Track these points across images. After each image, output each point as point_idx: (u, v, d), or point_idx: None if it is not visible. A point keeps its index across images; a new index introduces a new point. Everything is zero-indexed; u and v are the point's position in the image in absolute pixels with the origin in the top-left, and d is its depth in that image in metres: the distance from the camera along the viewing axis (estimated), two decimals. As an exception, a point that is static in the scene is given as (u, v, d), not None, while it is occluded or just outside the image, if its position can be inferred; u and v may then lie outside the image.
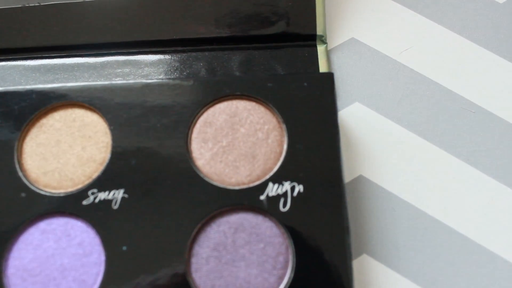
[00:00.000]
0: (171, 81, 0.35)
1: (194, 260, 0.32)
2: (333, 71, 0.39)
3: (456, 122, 0.38)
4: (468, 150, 0.37)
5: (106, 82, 0.35)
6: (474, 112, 0.38)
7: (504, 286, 0.34)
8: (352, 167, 0.36)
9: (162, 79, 0.37)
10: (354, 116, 0.38)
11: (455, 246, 0.34)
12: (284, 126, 0.34)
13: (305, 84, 0.35)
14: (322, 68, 0.38)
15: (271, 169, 0.33)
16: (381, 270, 0.34)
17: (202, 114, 0.35)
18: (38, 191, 0.33)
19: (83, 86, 0.35)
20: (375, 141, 0.37)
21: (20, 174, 0.34)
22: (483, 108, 0.38)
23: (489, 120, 0.38)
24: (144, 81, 0.35)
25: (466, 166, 0.36)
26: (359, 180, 0.36)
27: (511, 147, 0.37)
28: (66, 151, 0.34)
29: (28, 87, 0.35)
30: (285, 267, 0.32)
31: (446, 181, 0.36)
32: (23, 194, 0.33)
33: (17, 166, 0.34)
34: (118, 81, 0.36)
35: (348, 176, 0.36)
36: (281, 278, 0.31)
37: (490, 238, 0.35)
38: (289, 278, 0.31)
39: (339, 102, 0.38)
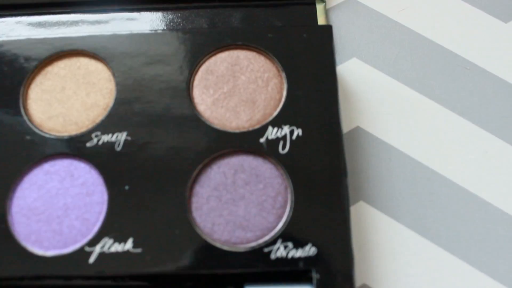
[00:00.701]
0: (174, 31, 0.36)
1: (194, 200, 0.32)
2: (331, 28, 0.40)
3: (451, 78, 0.38)
4: (463, 105, 0.38)
5: (110, 33, 0.36)
6: (469, 69, 0.39)
7: (495, 231, 0.34)
8: (350, 118, 0.37)
9: (165, 30, 0.37)
10: (352, 71, 0.39)
11: (448, 194, 0.35)
12: (283, 74, 0.35)
13: (305, 35, 0.36)
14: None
15: (270, 114, 0.34)
16: (377, 216, 0.35)
17: (204, 62, 0.36)
18: (42, 134, 0.34)
19: (88, 36, 0.36)
20: (372, 95, 0.38)
21: (25, 118, 0.34)
22: (477, 65, 0.39)
23: (483, 77, 0.39)
24: (148, 31, 0.36)
25: (461, 119, 0.37)
26: (356, 131, 0.37)
27: (504, 102, 0.38)
28: (71, 97, 0.35)
29: (34, 37, 0.36)
30: (284, 207, 0.32)
31: (441, 133, 0.37)
32: (27, 137, 0.34)
33: (22, 110, 0.35)
34: (123, 31, 0.37)
35: (345, 127, 0.37)
36: (280, 217, 0.32)
37: (482, 187, 0.35)
38: (288, 217, 0.32)
39: (337, 58, 0.39)
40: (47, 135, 0.34)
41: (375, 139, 0.37)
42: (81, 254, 0.31)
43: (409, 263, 0.34)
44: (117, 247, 0.31)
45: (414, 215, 0.35)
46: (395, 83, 0.38)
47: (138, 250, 0.31)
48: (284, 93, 0.34)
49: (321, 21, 0.39)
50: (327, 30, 0.36)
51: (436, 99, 0.38)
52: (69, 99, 0.35)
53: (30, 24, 0.39)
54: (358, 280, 0.34)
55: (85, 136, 0.34)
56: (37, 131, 0.34)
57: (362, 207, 0.35)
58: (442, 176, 0.36)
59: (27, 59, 0.36)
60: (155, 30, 0.37)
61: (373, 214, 0.35)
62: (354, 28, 0.40)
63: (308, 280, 0.31)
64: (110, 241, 0.31)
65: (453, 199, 0.35)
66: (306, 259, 0.31)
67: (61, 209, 0.33)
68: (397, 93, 0.38)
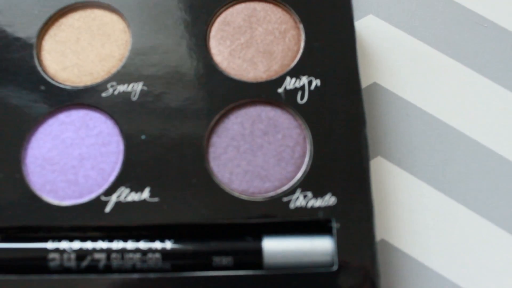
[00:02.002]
0: (189, -17, 0.36)
1: (212, 150, 0.32)
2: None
3: (468, 35, 0.38)
4: (479, 61, 0.37)
5: (125, -15, 0.36)
6: (486, 26, 0.38)
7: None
8: (366, 74, 0.37)
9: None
10: (369, 28, 0.38)
11: (465, 150, 0.35)
12: (301, 26, 0.34)
13: (322, -13, 0.35)
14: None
15: (288, 65, 0.34)
16: (395, 171, 0.35)
17: (220, 14, 0.35)
18: (57, 84, 0.34)
19: (103, -12, 0.36)
20: (388, 51, 0.38)
21: (39, 68, 0.34)
22: (495, 22, 0.38)
23: (500, 34, 0.38)
24: (163, -17, 0.36)
25: (479, 77, 0.37)
26: (373, 86, 0.37)
27: (523, 59, 0.37)
28: (86, 48, 0.35)
29: (48, -11, 0.36)
30: (302, 157, 0.32)
31: (458, 89, 0.37)
32: (42, 87, 0.34)
33: (36, 61, 0.34)
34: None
35: (363, 83, 0.36)
36: (298, 167, 0.32)
37: (498, 142, 0.35)
38: (307, 166, 0.31)
39: (354, 15, 0.38)
40: (61, 85, 0.34)
41: (392, 95, 0.36)
42: (97, 203, 0.31)
43: (427, 218, 0.34)
44: (134, 197, 0.31)
45: (432, 170, 0.35)
46: (412, 40, 0.38)
47: (155, 199, 0.31)
48: (302, 45, 0.34)
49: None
50: (345, -18, 0.35)
51: (452, 56, 0.37)
52: (84, 50, 0.34)
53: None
54: (377, 235, 0.33)
55: (101, 86, 0.33)
56: (51, 81, 0.34)
57: (380, 162, 0.35)
58: (459, 132, 0.35)
59: (41, 10, 0.35)
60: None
61: (391, 169, 0.35)
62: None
63: (328, 230, 0.31)
64: (127, 190, 0.31)
65: (470, 154, 0.35)
66: (326, 209, 0.31)
67: (76, 159, 0.32)
68: (414, 50, 0.38)
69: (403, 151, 0.35)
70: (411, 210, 0.34)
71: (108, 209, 0.31)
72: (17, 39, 0.35)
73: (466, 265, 0.32)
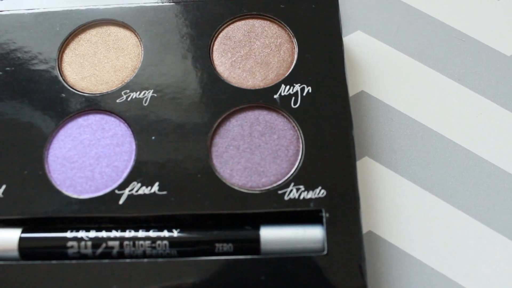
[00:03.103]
0: (195, 3, 0.40)
1: (215, 149, 0.36)
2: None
3: (448, 48, 0.42)
4: (459, 72, 0.41)
5: (137, 5, 0.40)
6: (464, 40, 0.42)
7: (489, 185, 0.37)
8: (355, 83, 0.41)
9: (187, 1, 0.41)
10: (356, 42, 0.42)
11: (444, 150, 0.38)
12: (295, 40, 0.38)
13: (313, 6, 0.39)
14: None
15: (283, 74, 0.38)
16: (381, 170, 0.38)
17: (222, 30, 0.39)
18: (76, 92, 0.37)
19: (117, 7, 0.40)
20: (375, 63, 0.41)
21: (60, 78, 0.38)
22: (472, 37, 0.42)
23: (477, 47, 0.42)
24: (172, 3, 0.40)
25: (457, 85, 0.41)
26: (361, 94, 0.40)
27: (495, 69, 0.41)
28: (102, 60, 0.39)
29: (68, 8, 0.40)
30: (296, 155, 0.35)
31: (438, 97, 0.40)
32: (63, 95, 0.37)
33: (57, 72, 0.38)
34: (148, 3, 0.40)
35: (351, 91, 0.40)
36: (292, 164, 0.35)
37: (475, 144, 0.39)
38: (300, 163, 0.35)
39: (343, 30, 0.42)
40: (80, 93, 0.37)
41: (378, 102, 0.40)
42: (111, 196, 0.35)
43: (410, 212, 0.37)
44: (145, 190, 0.35)
45: (414, 169, 0.38)
46: (396, 53, 0.42)
47: (164, 192, 0.34)
48: (295, 56, 0.38)
49: (327, -3, 0.42)
50: (334, 1, 0.39)
51: (434, 67, 0.41)
52: (100, 62, 0.38)
53: None
54: (364, 227, 0.37)
55: (116, 93, 0.37)
56: (71, 89, 0.38)
57: (367, 162, 0.38)
58: (438, 134, 0.39)
59: (62, 27, 0.39)
60: (178, 2, 0.40)
61: (377, 168, 0.38)
62: (357, 3, 0.44)
63: (319, 220, 0.34)
64: (138, 185, 0.35)
65: (448, 154, 0.38)
66: (317, 200, 0.34)
67: (93, 158, 0.36)
68: (398, 61, 0.41)
69: (388, 152, 0.39)
70: (395, 204, 0.37)
71: (121, 201, 0.34)
72: (41, 52, 0.39)
73: (444, 252, 0.36)
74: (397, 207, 0.37)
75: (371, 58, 0.42)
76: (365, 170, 0.38)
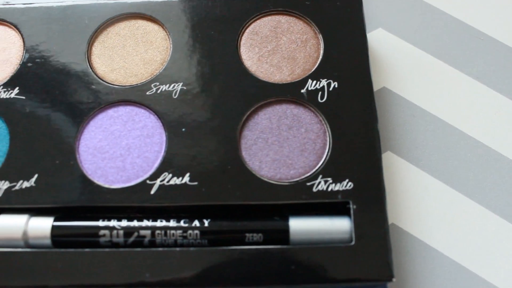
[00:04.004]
0: (222, -1, 0.41)
1: (243, 141, 0.37)
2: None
3: (467, 47, 0.43)
4: (478, 70, 0.42)
5: (165, -1, 0.41)
6: (483, 39, 0.43)
7: (508, 180, 0.39)
8: (377, 80, 0.42)
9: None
10: (378, 39, 0.43)
11: (463, 145, 0.40)
12: (320, 36, 0.39)
13: (338, 3, 0.40)
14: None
15: (309, 69, 0.38)
16: (403, 164, 0.39)
17: (249, 25, 0.40)
18: (106, 84, 0.38)
19: (145, 1, 0.41)
20: (396, 60, 0.42)
21: (90, 70, 0.39)
22: (491, 36, 0.43)
23: (496, 46, 0.43)
24: (199, -1, 0.41)
25: (476, 82, 0.42)
26: (383, 90, 0.41)
27: (513, 67, 0.42)
28: (131, 53, 0.39)
29: (95, 1, 0.41)
30: (323, 148, 0.36)
31: (457, 93, 0.41)
32: (93, 87, 0.38)
33: (87, 64, 0.39)
34: (176, -2, 0.41)
35: (373, 87, 0.41)
36: (320, 157, 0.36)
37: (494, 140, 0.40)
38: (327, 156, 0.36)
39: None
40: (110, 85, 0.38)
41: (399, 98, 0.41)
42: (143, 186, 0.35)
43: (431, 205, 0.38)
44: (176, 181, 0.35)
45: (435, 164, 0.39)
46: (417, 50, 0.43)
47: (195, 183, 0.35)
48: (321, 52, 0.39)
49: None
50: (358, -1, 0.40)
51: (454, 65, 0.42)
52: (129, 55, 0.39)
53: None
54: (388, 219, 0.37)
55: (145, 86, 0.38)
56: (101, 81, 0.38)
57: (389, 156, 0.39)
58: (458, 130, 0.40)
59: (90, 20, 0.40)
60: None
61: (399, 162, 0.39)
62: (379, 1, 0.45)
63: (345, 211, 0.35)
64: (169, 175, 0.35)
65: (468, 149, 0.39)
66: (344, 192, 0.35)
67: (124, 149, 0.37)
68: (419, 59, 0.42)
69: (410, 147, 0.40)
70: (417, 198, 0.38)
71: (153, 191, 0.35)
72: (70, 45, 0.39)
73: (465, 245, 0.37)
74: (419, 201, 0.38)
75: (392, 55, 0.43)
76: (388, 164, 0.39)
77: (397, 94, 0.41)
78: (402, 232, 0.37)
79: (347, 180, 0.35)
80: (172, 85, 0.38)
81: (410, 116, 0.41)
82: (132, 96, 0.38)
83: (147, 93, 0.38)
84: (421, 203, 0.38)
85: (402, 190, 0.39)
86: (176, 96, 0.37)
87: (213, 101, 0.37)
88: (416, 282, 0.36)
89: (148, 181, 0.35)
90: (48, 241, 0.35)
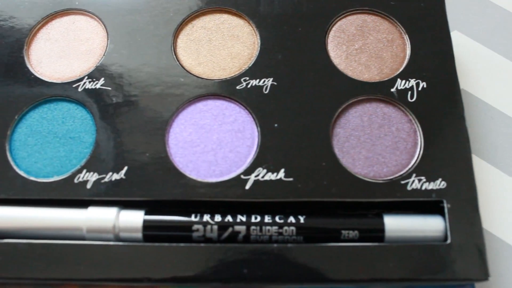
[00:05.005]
0: (309, -4, 0.41)
1: (336, 138, 0.37)
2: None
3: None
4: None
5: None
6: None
7: None
8: (454, 82, 0.42)
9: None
10: (454, 42, 0.43)
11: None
12: (406, 36, 0.40)
13: (422, 4, 0.40)
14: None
15: (397, 69, 0.39)
16: (483, 165, 0.40)
17: (336, 23, 0.40)
18: (195, 77, 0.38)
19: (230, -4, 0.40)
20: (472, 63, 0.43)
21: (177, 63, 0.38)
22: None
23: None
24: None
25: (549, 87, 0.43)
26: (461, 93, 0.42)
27: None
28: (217, 47, 0.39)
29: (182, -6, 0.40)
30: (414, 147, 0.37)
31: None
32: (181, 79, 0.38)
33: (173, 56, 0.38)
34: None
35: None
36: (412, 156, 0.36)
37: None
38: (419, 155, 0.36)
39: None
40: (199, 79, 0.38)
41: (477, 100, 0.42)
42: (237, 181, 0.35)
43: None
44: (271, 176, 0.35)
45: (515, 166, 0.40)
46: (493, 53, 0.43)
47: (290, 179, 0.35)
48: (408, 52, 0.39)
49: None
50: (440, 0, 0.41)
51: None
52: (216, 49, 0.39)
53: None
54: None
55: (235, 80, 0.38)
56: (189, 74, 0.38)
57: (476, 162, 0.40)
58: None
59: (175, 13, 0.40)
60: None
61: (480, 164, 0.40)
62: (454, 5, 0.45)
63: (437, 210, 0.35)
64: (264, 171, 0.35)
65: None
66: (437, 191, 0.35)
67: (215, 143, 0.36)
68: (495, 61, 0.43)
69: (489, 149, 0.40)
70: (498, 199, 0.39)
71: (247, 186, 0.35)
72: (156, 36, 0.39)
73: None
74: (500, 202, 0.39)
75: (469, 58, 0.43)
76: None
77: (475, 96, 0.42)
78: (486, 232, 0.38)
79: (440, 179, 0.35)
80: (263, 80, 0.38)
81: (488, 118, 0.41)
82: (221, 90, 0.37)
83: (237, 87, 0.37)
84: (503, 204, 0.38)
85: (482, 190, 0.39)
86: (267, 92, 0.37)
87: (304, 98, 0.37)
88: (506, 283, 0.36)
89: (242, 176, 0.35)
90: (139, 235, 0.34)
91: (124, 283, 0.33)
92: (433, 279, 0.33)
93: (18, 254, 0.33)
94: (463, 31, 0.44)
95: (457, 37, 0.44)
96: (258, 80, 0.38)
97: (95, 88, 0.37)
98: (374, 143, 0.36)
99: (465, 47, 0.44)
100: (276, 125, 0.36)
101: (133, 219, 0.34)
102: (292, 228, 0.34)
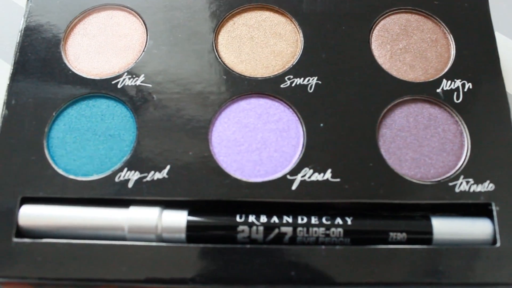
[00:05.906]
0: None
1: (382, 139, 0.36)
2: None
3: None
4: None
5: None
6: None
7: None
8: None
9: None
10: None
11: None
12: (450, 36, 0.39)
13: (466, 4, 0.40)
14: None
15: (442, 69, 0.38)
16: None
17: (379, 22, 0.39)
18: (237, 74, 0.37)
19: (271, -7, 0.40)
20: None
21: (219, 60, 0.37)
22: None
23: None
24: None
25: None
26: (503, 94, 0.41)
27: None
28: (259, 44, 0.38)
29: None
30: (461, 148, 0.36)
31: None
32: (224, 77, 0.37)
33: (215, 53, 0.38)
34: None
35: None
36: (459, 157, 0.36)
37: None
38: (466, 157, 0.35)
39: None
40: (242, 76, 0.37)
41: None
42: (283, 181, 0.34)
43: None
44: (317, 177, 0.34)
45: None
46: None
47: (337, 180, 0.34)
48: (453, 52, 0.39)
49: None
50: (484, 0, 0.40)
51: None
52: (258, 46, 0.38)
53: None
54: None
55: (279, 78, 0.37)
56: (231, 72, 0.37)
57: None
58: None
59: (217, 8, 0.39)
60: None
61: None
62: (494, 6, 0.44)
63: (485, 213, 0.34)
64: (310, 171, 0.35)
65: None
66: (485, 194, 0.34)
67: (259, 142, 0.36)
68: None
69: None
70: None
71: (294, 187, 0.34)
72: (197, 32, 0.38)
73: None
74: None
75: (509, 59, 0.43)
76: None
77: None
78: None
79: (488, 182, 0.35)
80: (307, 79, 0.37)
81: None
82: (265, 89, 0.37)
83: (282, 85, 0.37)
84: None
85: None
86: (311, 91, 0.37)
87: (349, 97, 0.37)
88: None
89: (288, 176, 0.34)
90: (182, 236, 0.33)
91: (168, 284, 0.33)
92: (481, 283, 0.33)
93: (57, 254, 0.33)
94: (503, 32, 0.44)
95: (498, 39, 0.43)
96: (302, 78, 0.37)
97: (135, 84, 0.37)
98: (420, 144, 0.36)
99: (505, 48, 0.43)
100: (321, 124, 0.36)
101: (176, 219, 0.34)
102: (340, 229, 0.33)
